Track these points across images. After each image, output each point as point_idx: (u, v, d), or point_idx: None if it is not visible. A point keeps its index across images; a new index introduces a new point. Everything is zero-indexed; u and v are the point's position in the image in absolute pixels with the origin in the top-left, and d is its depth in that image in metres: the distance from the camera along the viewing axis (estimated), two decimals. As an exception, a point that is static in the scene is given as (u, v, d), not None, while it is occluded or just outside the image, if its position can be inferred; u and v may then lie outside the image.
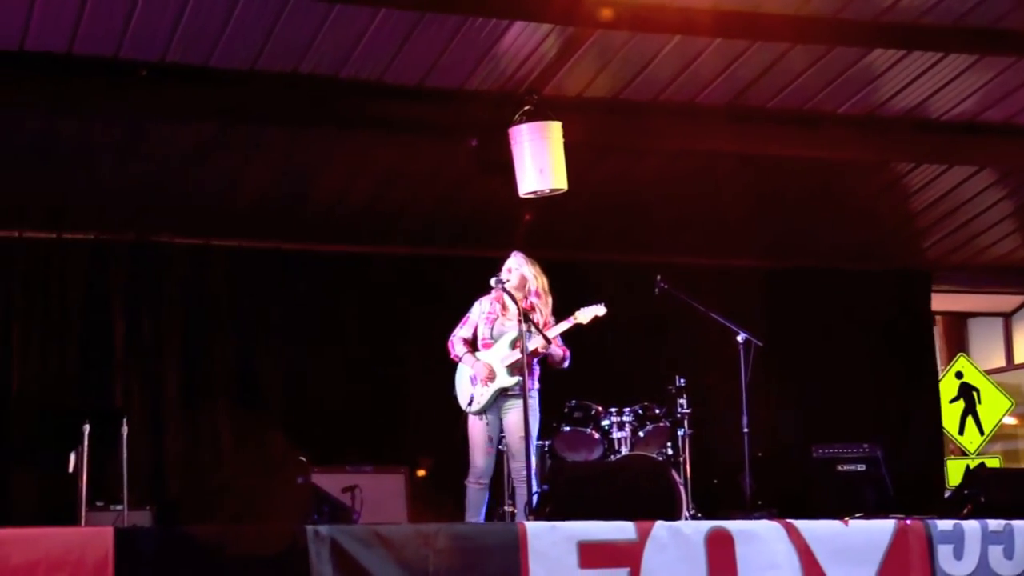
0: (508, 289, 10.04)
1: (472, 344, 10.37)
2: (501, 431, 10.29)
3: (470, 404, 10.22)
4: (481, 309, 10.37)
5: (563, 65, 10.68)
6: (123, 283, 12.54)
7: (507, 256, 10.43)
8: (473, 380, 10.23)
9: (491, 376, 10.12)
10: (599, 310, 10.39)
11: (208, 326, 12.77)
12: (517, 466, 10.13)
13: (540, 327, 10.06)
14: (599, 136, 11.43)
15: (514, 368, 10.05)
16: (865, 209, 13.64)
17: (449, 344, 10.39)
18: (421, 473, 12.08)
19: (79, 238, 12.49)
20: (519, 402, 9.92)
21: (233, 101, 10.60)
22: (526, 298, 10.24)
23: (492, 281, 9.95)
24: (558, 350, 10.28)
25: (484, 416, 10.21)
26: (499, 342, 10.24)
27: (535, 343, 10.03)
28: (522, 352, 9.79)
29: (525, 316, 9.82)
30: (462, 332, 10.38)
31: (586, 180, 11.60)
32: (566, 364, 10.37)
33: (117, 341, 12.44)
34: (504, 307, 10.29)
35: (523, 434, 9.93)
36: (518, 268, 10.32)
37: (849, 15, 10.25)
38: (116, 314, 12.48)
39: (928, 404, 15.02)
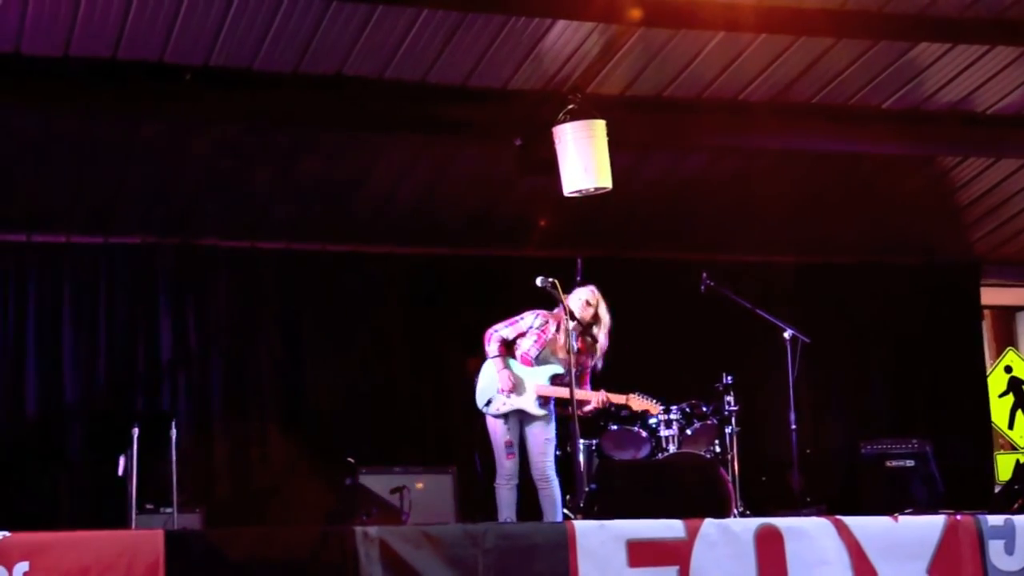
0: (574, 314, 9.91)
1: (508, 346, 10.23)
2: (521, 435, 10.16)
3: (487, 405, 10.10)
4: (535, 323, 10.16)
5: (606, 63, 10.68)
6: (169, 287, 12.56)
7: (581, 283, 10.29)
8: (501, 388, 10.09)
9: (512, 391, 10.02)
10: (654, 407, 10.40)
11: (255, 328, 12.79)
12: (539, 470, 10.08)
13: (578, 376, 9.93)
14: (643, 134, 11.40)
15: (545, 401, 10.06)
16: (912, 204, 13.56)
17: (486, 336, 10.22)
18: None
19: (125, 242, 12.52)
20: (542, 422, 10.05)
21: (277, 104, 10.62)
22: (587, 333, 10.13)
23: (538, 281, 9.77)
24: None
25: (506, 419, 10.11)
26: (541, 368, 10.09)
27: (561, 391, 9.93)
28: (568, 383, 9.70)
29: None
30: (504, 332, 10.19)
31: (630, 178, 11.59)
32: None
33: (164, 344, 12.47)
34: (557, 332, 10.07)
35: (543, 451, 10.04)
36: (596, 306, 10.13)
37: (893, 9, 10.21)
38: (163, 318, 12.50)
39: (977, 399, 14.92)
